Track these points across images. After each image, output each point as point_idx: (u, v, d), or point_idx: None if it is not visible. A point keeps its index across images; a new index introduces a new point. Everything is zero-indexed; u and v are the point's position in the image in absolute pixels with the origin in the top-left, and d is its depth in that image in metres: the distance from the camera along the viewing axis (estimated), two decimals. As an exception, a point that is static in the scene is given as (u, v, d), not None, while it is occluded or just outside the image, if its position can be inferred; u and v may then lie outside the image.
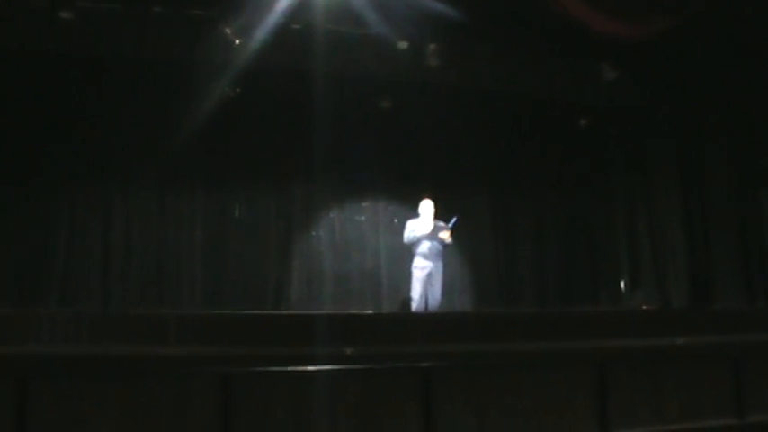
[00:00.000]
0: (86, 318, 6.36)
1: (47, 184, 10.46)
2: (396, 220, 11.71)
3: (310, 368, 5.96)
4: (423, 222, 10.44)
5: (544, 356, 6.70)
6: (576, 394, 6.62)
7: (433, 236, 10.35)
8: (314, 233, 11.68)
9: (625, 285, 12.16)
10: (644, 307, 11.22)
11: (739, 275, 10.67)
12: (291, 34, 9.65)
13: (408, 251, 10.64)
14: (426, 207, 10.53)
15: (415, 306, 10.28)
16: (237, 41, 9.51)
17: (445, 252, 10.61)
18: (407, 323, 7.58)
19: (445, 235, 10.37)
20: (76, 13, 9.07)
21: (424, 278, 10.31)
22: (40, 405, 5.40)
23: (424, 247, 10.35)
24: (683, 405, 6.87)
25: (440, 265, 10.44)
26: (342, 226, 11.82)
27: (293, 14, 9.35)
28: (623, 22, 9.22)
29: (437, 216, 10.53)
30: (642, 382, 6.80)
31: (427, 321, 7.90)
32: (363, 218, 11.95)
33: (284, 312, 10.54)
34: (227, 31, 9.49)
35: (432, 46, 10.23)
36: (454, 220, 10.46)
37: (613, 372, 6.67)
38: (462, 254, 12.10)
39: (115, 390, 5.59)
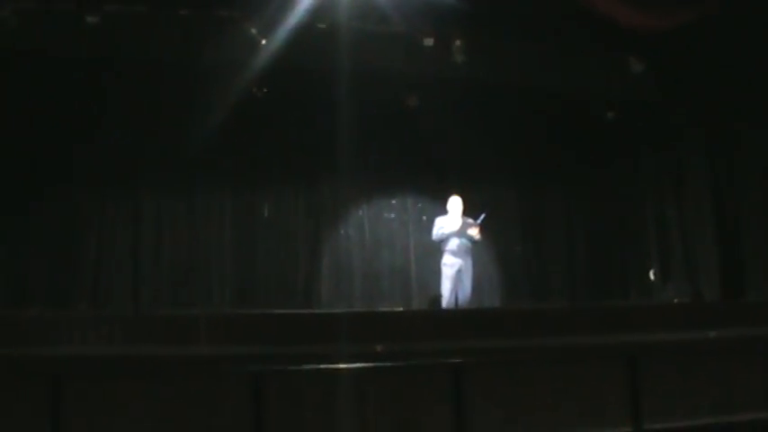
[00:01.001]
0: (118, 319, 6.43)
1: (76, 187, 10.55)
2: (424, 217, 11.70)
3: (341, 366, 5.98)
4: (451, 219, 10.42)
5: (575, 352, 6.68)
6: (608, 389, 6.59)
7: (461, 232, 10.33)
8: (343, 231, 11.70)
9: (654, 275, 12.05)
10: (675, 301, 11.14)
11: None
12: (316, 33, 9.66)
13: (438, 248, 10.62)
14: (454, 203, 10.51)
15: (445, 303, 10.26)
16: (263, 41, 9.53)
17: (474, 249, 10.58)
18: (438, 320, 7.60)
19: (474, 231, 10.34)
20: (103, 18, 9.13)
21: (453, 275, 10.29)
22: (73, 405, 5.45)
23: (453, 244, 10.33)
24: (717, 399, 6.82)
25: (469, 261, 10.41)
26: (370, 223, 11.82)
27: (318, 13, 9.36)
28: (650, 13, 9.16)
29: (465, 212, 10.50)
30: (674, 375, 6.76)
31: (457, 318, 7.91)
32: (392, 215, 11.95)
33: (314, 311, 10.57)
34: (253, 31, 9.52)
35: (457, 42, 10.20)
36: (482, 216, 10.44)
37: (645, 366, 6.64)
38: (491, 250, 12.07)
39: (147, 389, 5.63)
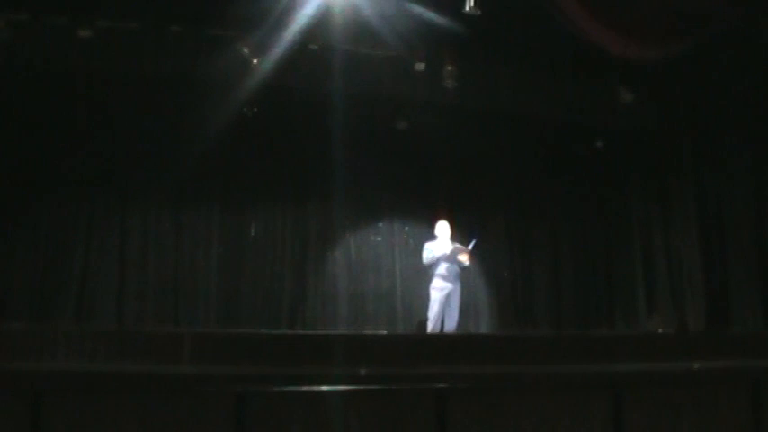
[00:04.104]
0: (101, 334, 6.38)
1: (64, 201, 10.54)
2: (411, 241, 11.72)
3: (324, 388, 5.95)
4: (441, 244, 10.41)
5: (560, 380, 6.66)
6: (592, 418, 6.57)
7: (451, 258, 10.32)
8: (329, 253, 11.68)
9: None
10: (660, 331, 11.14)
11: (757, 299, 10.57)
12: (308, 54, 9.69)
13: (424, 272, 10.62)
14: (442, 228, 10.51)
15: (431, 326, 10.25)
16: (255, 61, 9.54)
17: (462, 274, 10.57)
18: (422, 344, 7.56)
19: (464, 257, 10.34)
20: (96, 32, 9.12)
21: (442, 299, 10.27)
22: (54, 421, 5.41)
23: (443, 268, 10.31)
24: (700, 430, 6.81)
25: (458, 286, 10.40)
26: (357, 246, 11.83)
27: (310, 34, 9.38)
28: (640, 44, 9.21)
29: (453, 237, 10.51)
30: (658, 406, 6.75)
31: (442, 343, 7.87)
32: (379, 238, 11.95)
33: (299, 332, 10.54)
34: (245, 50, 9.53)
35: (448, 67, 10.23)
36: (473, 242, 10.44)
37: (629, 396, 6.63)
38: (478, 276, 12.08)
39: (129, 407, 5.59)
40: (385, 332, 10.95)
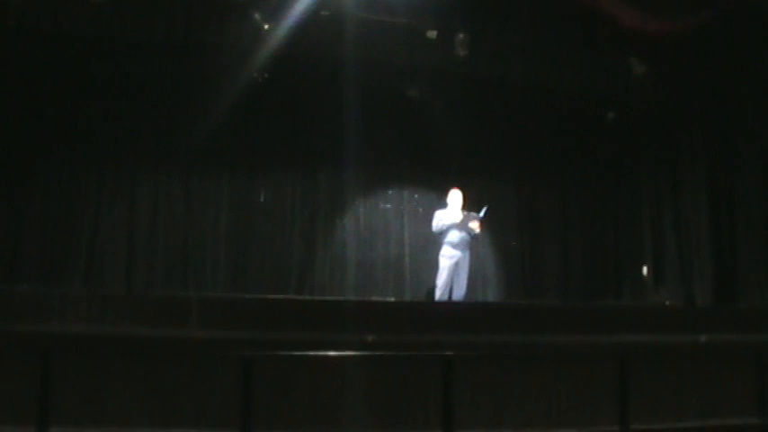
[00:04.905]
0: (110, 298, 6.42)
1: (74, 166, 10.55)
2: (420, 209, 11.71)
3: (331, 353, 5.98)
4: (452, 212, 10.39)
5: (566, 350, 6.68)
6: (597, 388, 6.61)
7: (462, 226, 10.30)
8: (339, 220, 11.68)
9: (647, 273, 12.03)
10: (667, 303, 11.14)
11: (765, 274, 10.56)
12: (320, 20, 9.63)
13: (433, 240, 10.61)
14: (455, 197, 10.48)
15: (438, 294, 10.25)
16: (266, 26, 9.51)
17: (472, 243, 10.57)
18: (430, 312, 7.59)
19: (474, 225, 10.31)
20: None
21: (451, 267, 10.25)
22: (62, 382, 5.46)
23: (453, 236, 10.29)
24: (705, 403, 6.84)
25: (467, 254, 10.38)
26: (366, 213, 11.82)
27: (322, 1, 9.34)
28: (654, 16, 9.16)
29: (464, 206, 10.49)
30: (664, 378, 6.78)
31: (450, 311, 7.90)
32: (389, 206, 11.94)
33: (307, 298, 10.57)
34: (257, 15, 9.49)
35: (460, 35, 10.18)
36: (485, 210, 10.40)
37: (635, 367, 6.65)
38: (487, 245, 12.08)
39: (137, 370, 5.63)
40: (393, 299, 10.97)
